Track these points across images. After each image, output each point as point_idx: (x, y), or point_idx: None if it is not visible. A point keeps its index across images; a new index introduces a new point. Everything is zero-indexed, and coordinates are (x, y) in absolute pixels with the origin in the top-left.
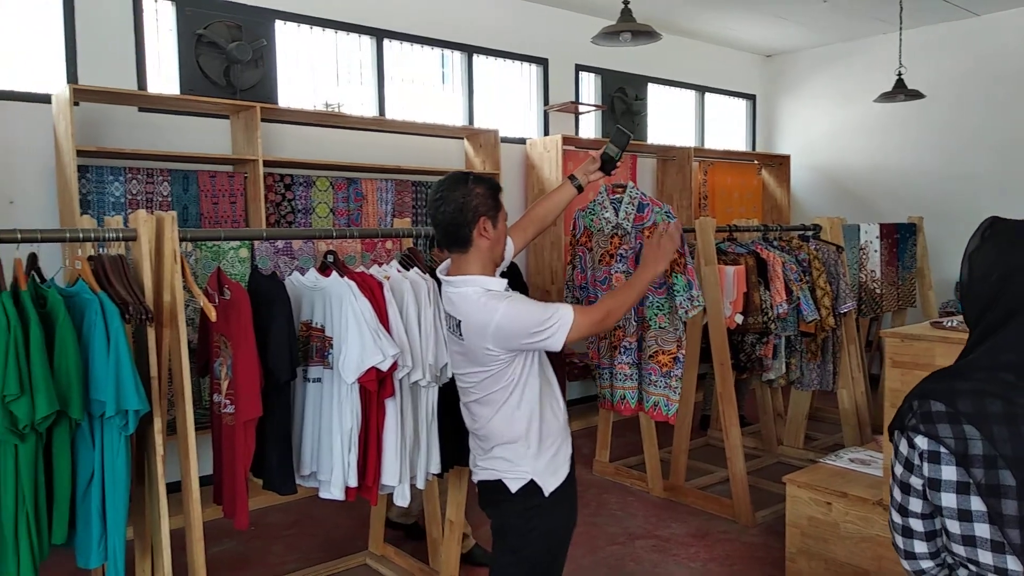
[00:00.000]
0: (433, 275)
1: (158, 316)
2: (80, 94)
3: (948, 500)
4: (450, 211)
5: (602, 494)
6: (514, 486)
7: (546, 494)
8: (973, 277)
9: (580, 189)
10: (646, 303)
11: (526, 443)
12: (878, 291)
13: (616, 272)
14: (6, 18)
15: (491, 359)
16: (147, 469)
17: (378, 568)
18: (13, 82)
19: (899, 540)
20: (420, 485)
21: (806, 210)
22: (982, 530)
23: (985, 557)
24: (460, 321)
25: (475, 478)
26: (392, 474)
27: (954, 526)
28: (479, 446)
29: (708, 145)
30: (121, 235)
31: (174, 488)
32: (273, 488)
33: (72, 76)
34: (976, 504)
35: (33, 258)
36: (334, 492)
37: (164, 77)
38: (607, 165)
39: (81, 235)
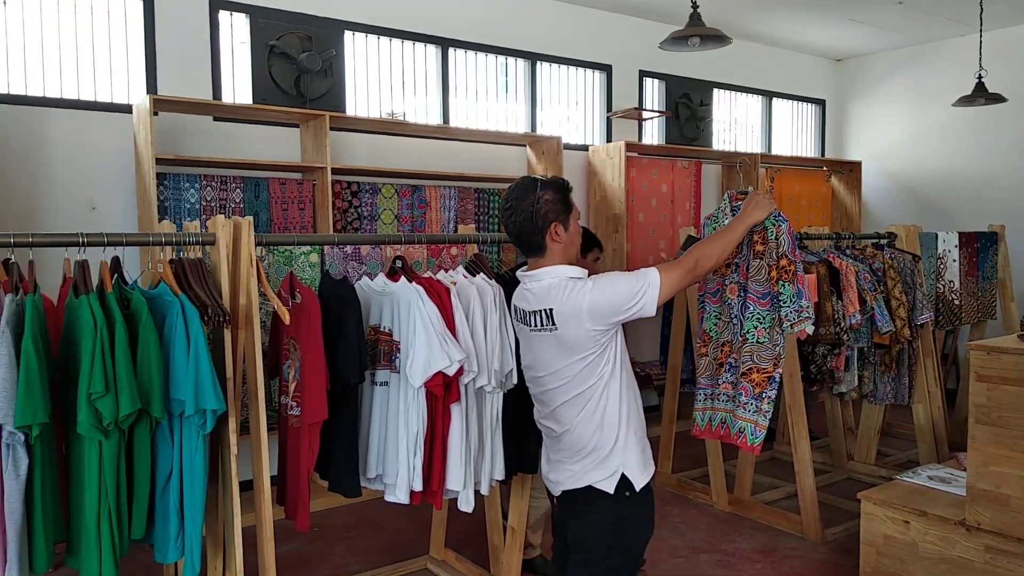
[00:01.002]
0: (499, 280)
1: (234, 318)
2: (159, 104)
3: None
4: (520, 220)
5: (664, 506)
6: (609, 486)
7: (637, 489)
8: None
9: None
10: (747, 314)
11: (615, 438)
12: (956, 302)
13: (730, 283)
14: (91, 32)
15: (591, 340)
16: (221, 468)
17: (438, 572)
18: (97, 93)
19: None
20: (484, 491)
21: (878, 218)
22: None
23: None
24: (552, 308)
25: (558, 488)
26: (457, 479)
27: None
28: (565, 454)
29: (775, 151)
30: (201, 239)
31: (244, 487)
32: (339, 490)
33: (152, 87)
34: None
35: (116, 261)
36: (399, 495)
37: (238, 87)
38: None
39: (164, 239)
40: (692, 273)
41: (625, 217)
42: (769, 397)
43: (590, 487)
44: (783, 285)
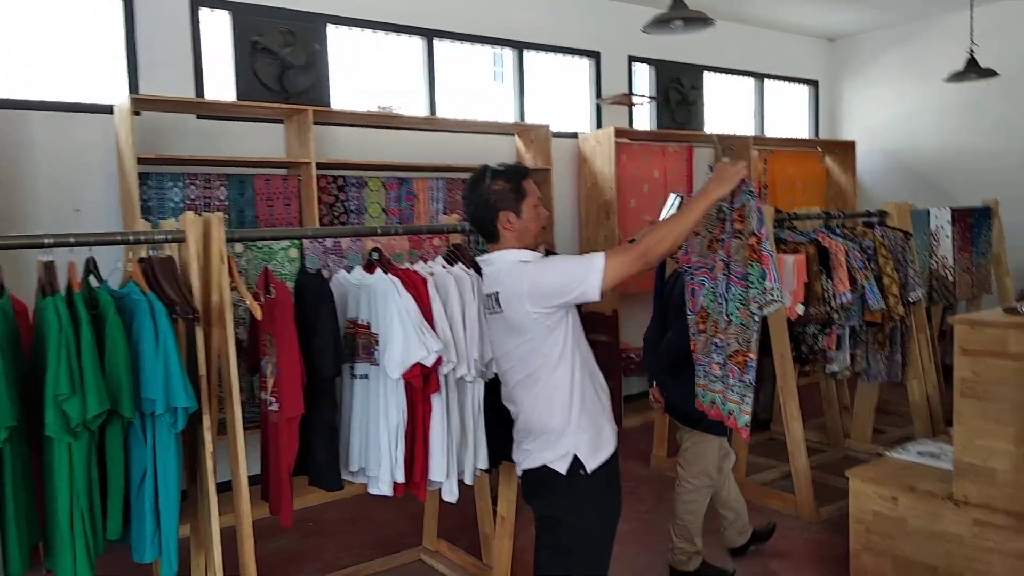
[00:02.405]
0: (478, 269)
1: (206, 316)
2: (140, 103)
3: None
4: (472, 210)
5: (660, 490)
6: (561, 467)
7: (588, 471)
8: None
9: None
10: (729, 294)
11: (567, 419)
12: (950, 278)
13: (719, 260)
14: (71, 32)
15: (533, 322)
16: (197, 466)
17: (432, 563)
18: (78, 94)
19: None
20: (468, 481)
21: (873, 197)
22: None
23: None
24: (498, 292)
25: (519, 468)
26: (439, 470)
27: None
28: (521, 434)
29: (768, 133)
30: (170, 237)
31: (230, 486)
32: (320, 484)
33: (133, 86)
34: None
35: (91, 262)
36: (382, 488)
37: (221, 84)
38: None
39: (131, 238)
40: (643, 259)
41: (616, 204)
42: (747, 381)
43: (544, 467)
44: (752, 265)
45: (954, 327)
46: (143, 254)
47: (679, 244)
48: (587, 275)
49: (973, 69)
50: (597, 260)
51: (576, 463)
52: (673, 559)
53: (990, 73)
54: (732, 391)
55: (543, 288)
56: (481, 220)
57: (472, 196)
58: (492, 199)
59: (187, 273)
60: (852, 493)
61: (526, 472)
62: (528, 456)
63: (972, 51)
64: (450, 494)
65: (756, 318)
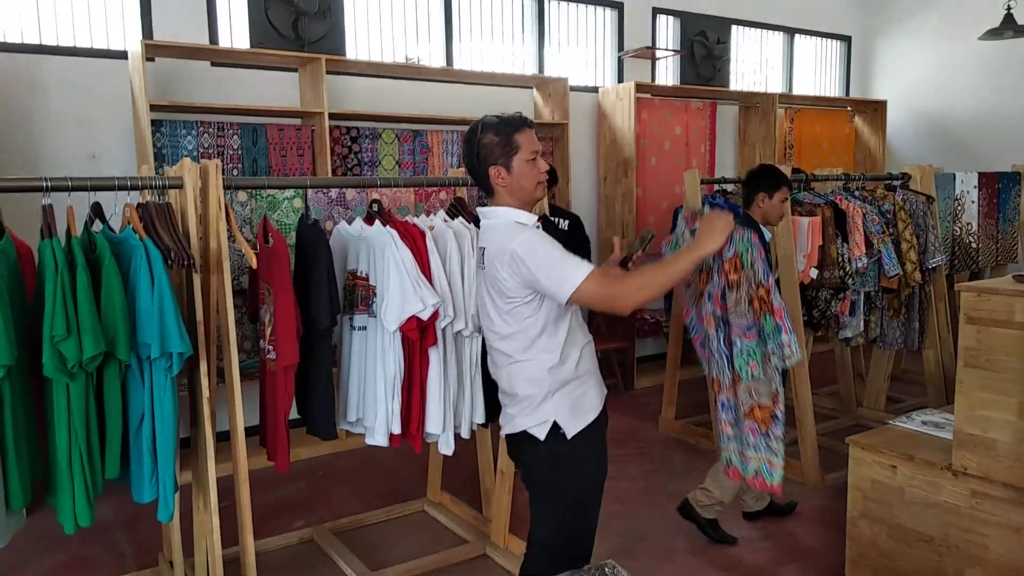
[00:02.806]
0: (477, 225)
1: (205, 263)
2: (154, 49)
3: None
4: (467, 162)
5: (667, 451)
6: (540, 432)
7: (568, 436)
8: None
9: None
10: (735, 349)
11: (546, 386)
12: (974, 245)
13: (706, 314)
14: None
15: (508, 289)
16: (195, 411)
17: (434, 514)
18: (93, 39)
19: None
20: (465, 434)
21: (902, 160)
22: None
23: None
24: (485, 248)
25: (502, 432)
26: (436, 422)
27: None
28: (505, 399)
29: (797, 91)
30: (167, 183)
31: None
32: (315, 433)
33: (147, 32)
34: None
35: (97, 207)
36: (378, 438)
37: (235, 31)
38: (625, 262)
39: (129, 183)
40: (613, 303)
41: (635, 161)
42: (776, 436)
43: (525, 432)
44: (765, 318)
45: (960, 294)
46: (149, 198)
47: (656, 298)
48: (561, 282)
49: (1010, 26)
50: (577, 274)
51: (555, 429)
52: (695, 496)
53: None
54: (755, 449)
55: (520, 262)
56: (475, 174)
57: (466, 149)
58: (483, 152)
59: (185, 220)
60: (851, 460)
61: (508, 436)
62: (510, 421)
63: (1010, 7)
64: (446, 447)
65: (777, 371)
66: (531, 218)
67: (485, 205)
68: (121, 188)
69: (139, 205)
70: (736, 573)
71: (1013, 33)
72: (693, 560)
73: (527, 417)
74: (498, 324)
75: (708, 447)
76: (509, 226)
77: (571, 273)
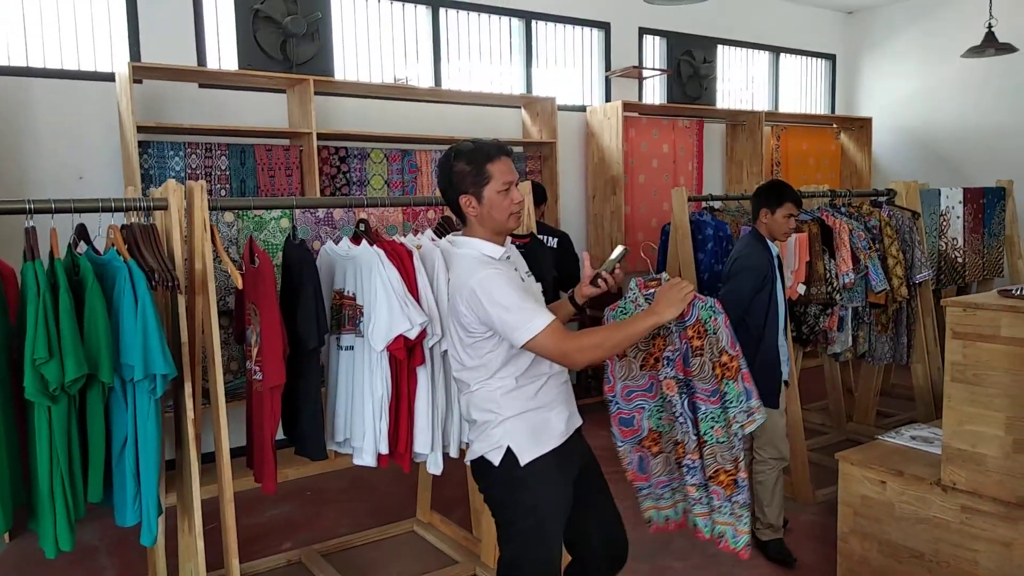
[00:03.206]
0: None
1: (191, 284)
2: (142, 71)
3: None
4: (441, 188)
5: None
6: (495, 458)
7: (521, 464)
8: None
9: (577, 306)
10: (699, 413)
11: (501, 413)
12: (960, 260)
13: (665, 378)
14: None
15: (468, 324)
16: (179, 433)
17: (423, 535)
18: (80, 62)
19: None
20: (453, 454)
21: (888, 176)
22: None
23: None
24: (450, 278)
25: (466, 459)
26: (424, 442)
27: None
28: (466, 423)
29: (783, 109)
30: (152, 204)
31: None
32: (305, 454)
33: (135, 55)
34: None
35: (82, 229)
36: (366, 459)
37: (223, 53)
38: (603, 281)
39: (113, 204)
40: (564, 358)
41: (623, 179)
42: (740, 502)
43: (482, 458)
44: (727, 384)
45: (946, 309)
46: (135, 220)
47: (609, 357)
48: (517, 328)
49: (992, 44)
50: (533, 324)
51: (509, 454)
52: (752, 525)
53: (1009, 48)
54: (720, 512)
55: (477, 299)
56: (448, 200)
57: (440, 175)
58: (455, 180)
59: (170, 241)
60: (841, 476)
61: (471, 462)
62: (470, 447)
63: (991, 25)
64: (435, 466)
65: (739, 436)
66: (498, 251)
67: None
68: (105, 210)
69: (123, 227)
70: None
71: (995, 51)
72: None
73: (482, 442)
74: (462, 355)
75: None
76: (473, 259)
77: (528, 322)
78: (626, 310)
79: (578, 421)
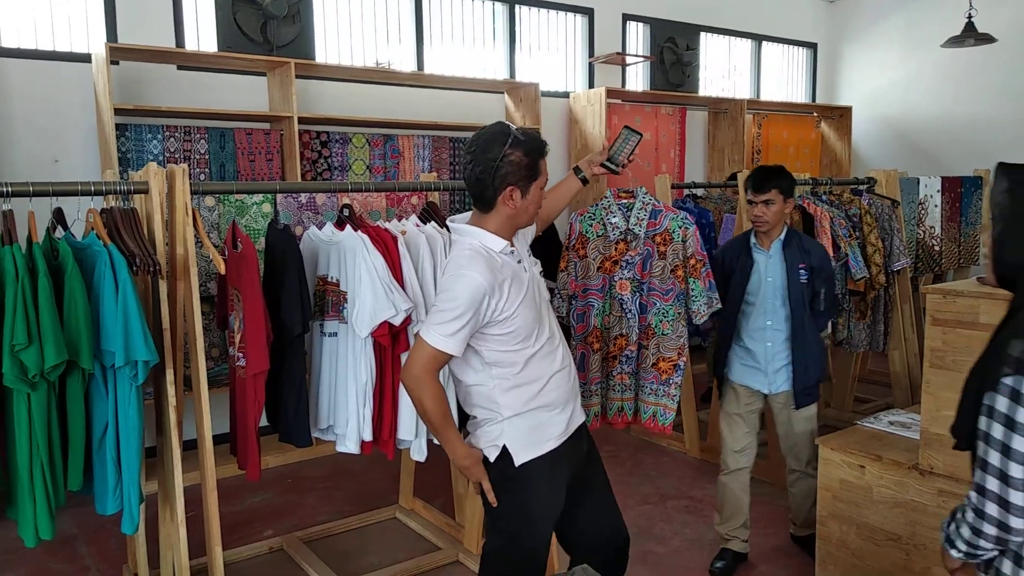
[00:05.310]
0: (450, 229)
1: (172, 269)
2: (119, 53)
3: None
4: (478, 172)
5: (637, 454)
6: (491, 454)
7: (516, 464)
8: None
9: (585, 182)
10: (652, 311)
11: (497, 412)
12: (937, 248)
13: (620, 279)
14: None
15: None
16: (161, 419)
17: (406, 521)
18: (56, 42)
19: (1018, 498)
20: (437, 440)
21: (868, 164)
22: None
23: None
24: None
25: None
26: (408, 428)
27: None
28: (466, 414)
29: (764, 97)
30: (132, 188)
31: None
32: (289, 440)
33: (112, 35)
34: None
35: (59, 212)
36: (349, 446)
37: (202, 35)
38: (613, 166)
39: (92, 188)
40: (408, 375)
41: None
42: (676, 383)
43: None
44: (693, 282)
45: (926, 296)
46: (113, 204)
47: (421, 414)
48: (427, 323)
49: (971, 34)
50: (437, 338)
51: (504, 454)
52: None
53: (988, 39)
54: (655, 395)
55: (438, 289)
56: (482, 186)
57: (482, 157)
58: (504, 169)
59: (150, 225)
60: (821, 460)
61: None
62: (467, 438)
63: (971, 15)
64: (419, 453)
65: (686, 327)
66: (500, 243)
67: (458, 213)
68: (84, 193)
69: (103, 210)
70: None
71: (974, 41)
72: (667, 563)
73: (480, 438)
74: None
75: (679, 449)
76: (471, 249)
77: (435, 330)
78: (595, 215)
79: (580, 419)
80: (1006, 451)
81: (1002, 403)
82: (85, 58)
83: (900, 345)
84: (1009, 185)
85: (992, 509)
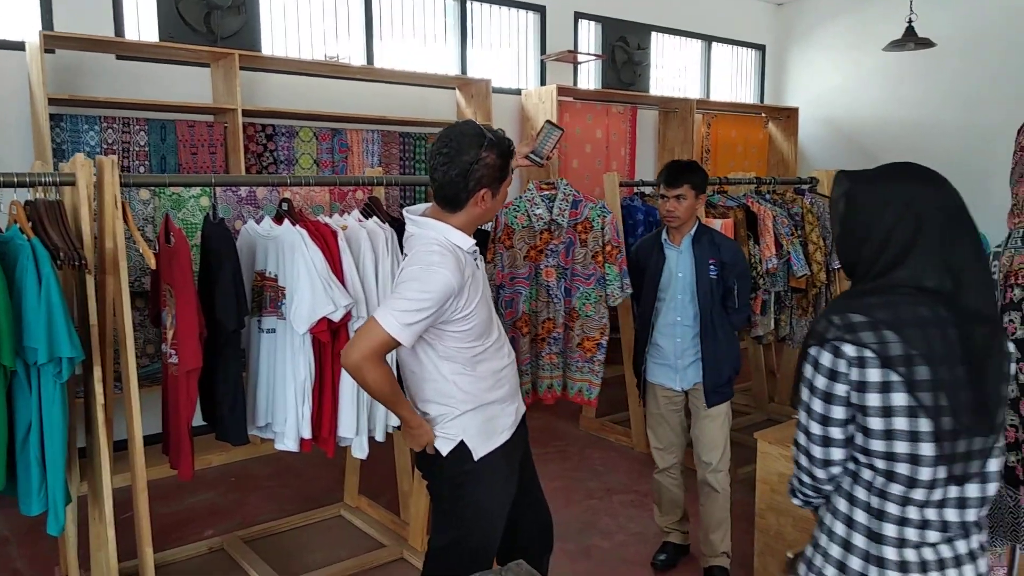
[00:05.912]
0: (393, 224)
1: (101, 263)
2: (55, 41)
3: (873, 399)
4: (453, 174)
5: (585, 449)
6: (444, 448)
7: (475, 458)
8: (858, 219)
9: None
10: (576, 295)
11: (455, 405)
12: None
13: (546, 267)
14: None
15: None
16: (88, 418)
17: (351, 519)
18: None
19: (817, 451)
20: (379, 438)
21: (814, 165)
22: (901, 423)
23: (901, 447)
24: (405, 256)
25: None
26: (348, 426)
27: (876, 423)
28: (415, 407)
29: (714, 97)
30: (59, 179)
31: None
32: (226, 438)
33: (48, 23)
34: (897, 400)
35: None
36: (288, 444)
37: (142, 24)
38: (537, 158)
39: (16, 179)
40: (360, 356)
41: (558, 163)
42: (600, 360)
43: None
44: (609, 267)
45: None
46: (42, 196)
47: (367, 389)
48: (382, 309)
49: (911, 38)
50: (393, 325)
51: (462, 448)
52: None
53: (927, 43)
54: (581, 372)
55: (396, 283)
56: (456, 188)
57: (458, 159)
58: (480, 172)
59: (77, 218)
60: (759, 454)
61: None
62: None
63: (911, 20)
64: (360, 450)
65: (607, 309)
66: (468, 242)
67: (409, 206)
68: (8, 185)
69: (27, 203)
70: (650, 569)
71: (914, 45)
72: (609, 557)
73: (435, 434)
74: None
75: (626, 444)
76: (435, 243)
77: (389, 317)
78: (519, 207)
79: (523, 408)
80: (808, 411)
81: (808, 370)
82: (18, 46)
83: None
84: (846, 191)
85: (803, 461)
